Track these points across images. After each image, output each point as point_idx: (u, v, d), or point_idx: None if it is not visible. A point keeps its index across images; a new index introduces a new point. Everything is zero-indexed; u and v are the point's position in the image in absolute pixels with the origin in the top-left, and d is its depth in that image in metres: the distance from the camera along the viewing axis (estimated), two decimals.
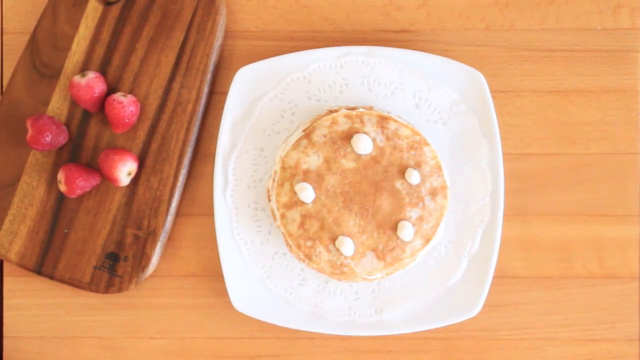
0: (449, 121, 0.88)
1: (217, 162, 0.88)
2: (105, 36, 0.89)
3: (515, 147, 0.90)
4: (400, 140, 0.83)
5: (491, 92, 0.88)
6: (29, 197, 0.89)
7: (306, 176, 0.83)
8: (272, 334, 0.90)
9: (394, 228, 0.82)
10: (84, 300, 0.90)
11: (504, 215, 0.88)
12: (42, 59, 0.89)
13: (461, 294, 0.87)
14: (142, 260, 0.88)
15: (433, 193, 0.83)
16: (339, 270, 0.83)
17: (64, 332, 0.90)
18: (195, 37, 0.89)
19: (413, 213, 0.82)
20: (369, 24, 0.91)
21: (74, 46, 0.89)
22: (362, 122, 0.83)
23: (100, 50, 0.89)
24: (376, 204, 0.82)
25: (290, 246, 0.84)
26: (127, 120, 0.87)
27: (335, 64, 0.88)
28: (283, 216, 0.83)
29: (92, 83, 0.87)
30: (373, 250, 0.82)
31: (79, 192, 0.87)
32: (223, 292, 0.89)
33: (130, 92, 0.89)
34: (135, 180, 0.88)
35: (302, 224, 0.83)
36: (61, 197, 0.89)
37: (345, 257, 0.82)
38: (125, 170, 0.87)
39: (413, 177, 0.82)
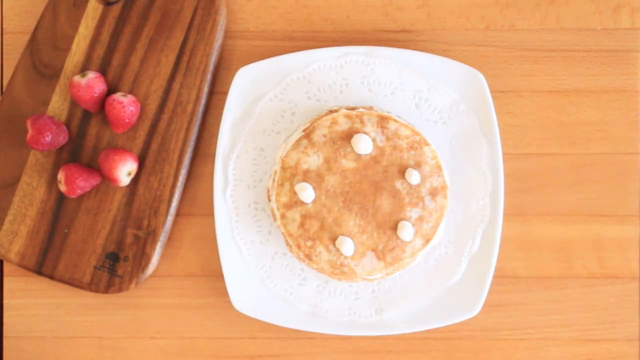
0: (449, 121, 0.88)
1: (217, 162, 0.88)
2: (105, 36, 0.89)
3: (515, 147, 0.90)
4: (400, 140, 0.83)
5: (491, 92, 0.88)
6: (29, 197, 0.89)
7: (306, 176, 0.83)
8: (272, 334, 0.90)
9: (394, 228, 0.82)
10: (84, 300, 0.90)
11: (504, 215, 0.88)
12: (42, 59, 0.89)
13: (461, 294, 0.87)
14: (142, 260, 0.88)
15: (433, 193, 0.83)
16: (339, 270, 0.83)
17: (64, 332, 0.90)
18: (195, 37, 0.89)
19: (413, 213, 0.82)
20: (369, 24, 0.91)
21: (74, 46, 0.89)
22: (362, 122, 0.83)
23: (100, 50, 0.89)
24: (376, 204, 0.82)
25: (290, 246, 0.84)
26: (127, 120, 0.87)
27: (335, 64, 0.88)
28: (283, 216, 0.83)
29: (92, 83, 0.87)
30: (373, 250, 0.82)
31: (79, 192, 0.87)
32: (223, 292, 0.89)
33: (130, 92, 0.89)
34: (135, 180, 0.88)
35: (302, 224, 0.83)
36: (61, 197, 0.89)
37: (345, 257, 0.82)
38: (125, 170, 0.87)
39: (413, 177, 0.82)
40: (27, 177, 0.89)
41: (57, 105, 0.89)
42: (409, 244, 0.83)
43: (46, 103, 0.89)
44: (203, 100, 0.89)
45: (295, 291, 0.88)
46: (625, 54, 0.90)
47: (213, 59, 0.89)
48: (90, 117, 0.89)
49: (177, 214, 0.90)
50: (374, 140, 0.83)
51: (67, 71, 0.89)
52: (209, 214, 0.89)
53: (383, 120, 0.83)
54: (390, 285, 0.88)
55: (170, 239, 0.90)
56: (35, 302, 0.91)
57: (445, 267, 0.87)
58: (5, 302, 0.91)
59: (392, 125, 0.83)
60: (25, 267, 0.89)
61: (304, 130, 0.84)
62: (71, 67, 0.89)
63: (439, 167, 0.83)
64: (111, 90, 0.89)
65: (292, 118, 0.88)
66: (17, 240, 0.89)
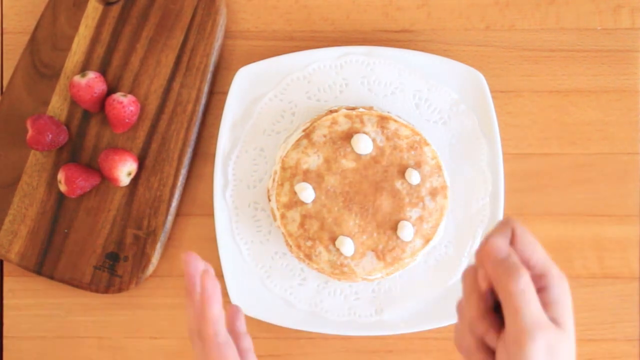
0: (449, 121, 0.88)
1: (217, 162, 0.88)
2: (105, 36, 0.89)
3: (515, 147, 0.90)
4: (400, 140, 0.83)
5: (491, 92, 0.88)
6: (29, 197, 0.89)
7: (306, 176, 0.83)
8: (272, 334, 0.90)
9: (394, 228, 0.82)
10: (84, 300, 0.90)
11: (504, 215, 0.88)
12: (42, 59, 0.89)
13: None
14: (142, 260, 0.88)
15: (433, 193, 0.83)
16: (339, 270, 0.83)
17: (64, 332, 0.90)
18: (195, 37, 0.89)
19: (413, 213, 0.82)
20: (369, 24, 0.91)
21: (74, 46, 0.89)
22: (362, 122, 0.83)
23: (100, 50, 0.89)
24: (376, 204, 0.82)
25: (290, 246, 0.84)
26: (127, 120, 0.87)
27: (335, 64, 0.88)
28: (283, 216, 0.83)
29: (92, 83, 0.87)
30: (373, 250, 0.82)
31: (79, 192, 0.87)
32: (223, 292, 0.89)
33: (130, 92, 0.89)
34: (135, 180, 0.88)
35: (302, 224, 0.83)
36: (61, 197, 0.89)
37: (345, 257, 0.82)
38: (125, 170, 0.87)
39: (413, 177, 0.82)
40: (27, 177, 0.89)
41: (57, 105, 0.89)
42: (409, 244, 0.83)
43: (46, 103, 0.89)
44: (203, 100, 0.89)
45: (295, 291, 0.88)
46: (625, 54, 0.90)
47: (213, 59, 0.89)
48: (90, 117, 0.89)
49: (177, 214, 0.90)
50: (374, 140, 0.83)
51: (67, 71, 0.89)
52: (209, 214, 0.89)
53: (383, 120, 0.83)
54: (390, 285, 0.88)
55: (170, 239, 0.90)
56: (35, 302, 0.91)
57: (445, 267, 0.87)
58: (5, 302, 0.91)
59: (392, 125, 0.83)
60: (25, 267, 0.89)
61: (304, 130, 0.84)
62: (71, 67, 0.89)
63: (439, 167, 0.83)
64: (111, 90, 0.89)
65: (292, 118, 0.88)
66: (17, 240, 0.89)
